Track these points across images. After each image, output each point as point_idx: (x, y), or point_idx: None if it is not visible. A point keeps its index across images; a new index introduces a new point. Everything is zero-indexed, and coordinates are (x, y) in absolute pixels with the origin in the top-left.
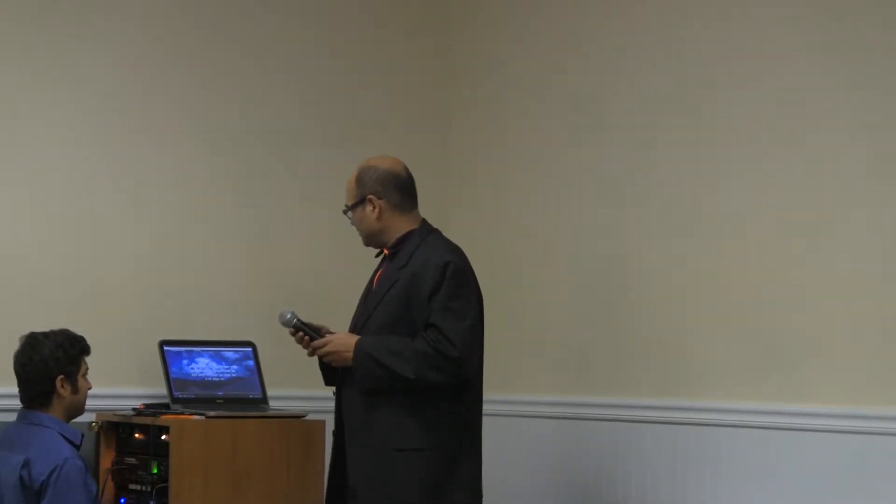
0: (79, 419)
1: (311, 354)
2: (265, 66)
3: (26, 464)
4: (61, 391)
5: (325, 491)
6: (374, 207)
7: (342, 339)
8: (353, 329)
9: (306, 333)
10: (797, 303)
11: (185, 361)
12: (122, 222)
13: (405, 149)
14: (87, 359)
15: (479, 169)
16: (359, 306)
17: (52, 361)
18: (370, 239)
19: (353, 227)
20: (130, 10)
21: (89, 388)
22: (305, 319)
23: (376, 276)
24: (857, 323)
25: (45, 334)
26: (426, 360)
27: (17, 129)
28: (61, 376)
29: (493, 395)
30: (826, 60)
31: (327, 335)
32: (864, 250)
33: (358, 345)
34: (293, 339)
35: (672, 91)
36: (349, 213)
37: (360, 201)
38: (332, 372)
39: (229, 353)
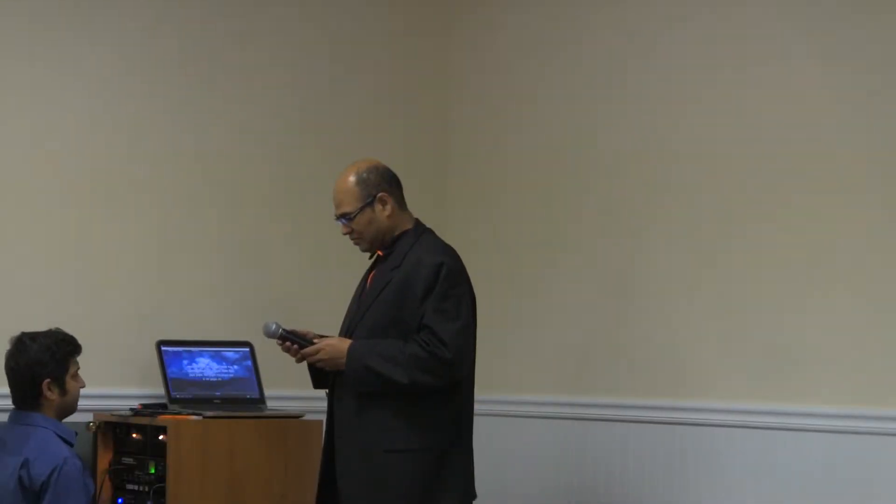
0: (76, 419)
1: (300, 361)
2: (263, 68)
3: (25, 464)
4: (48, 394)
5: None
6: (387, 204)
7: (334, 346)
8: (346, 330)
9: (294, 342)
10: (797, 303)
11: (185, 362)
12: (120, 222)
13: (405, 149)
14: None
15: (478, 169)
16: (351, 306)
17: (38, 366)
18: (376, 241)
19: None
20: (126, 10)
21: (82, 387)
22: (289, 327)
23: (370, 277)
24: (857, 323)
25: (32, 336)
26: (419, 363)
27: (13, 127)
28: (48, 380)
29: (492, 395)
30: (827, 58)
31: (315, 340)
32: (864, 250)
33: (351, 351)
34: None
35: (671, 88)
36: (352, 220)
37: (369, 202)
38: (320, 375)
39: (229, 353)
